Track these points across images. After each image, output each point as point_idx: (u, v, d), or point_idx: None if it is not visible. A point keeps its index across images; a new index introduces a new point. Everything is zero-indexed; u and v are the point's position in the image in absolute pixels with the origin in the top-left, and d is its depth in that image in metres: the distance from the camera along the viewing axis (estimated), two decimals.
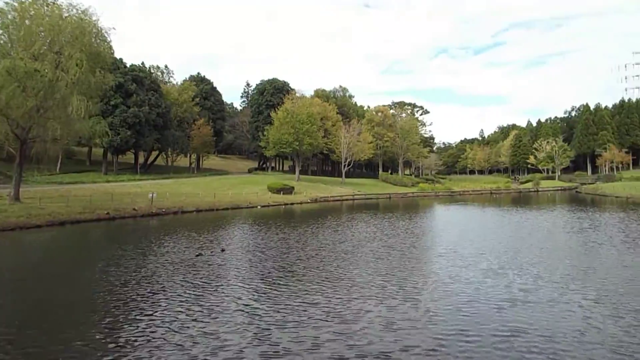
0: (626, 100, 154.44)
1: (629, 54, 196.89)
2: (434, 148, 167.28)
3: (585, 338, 10.42)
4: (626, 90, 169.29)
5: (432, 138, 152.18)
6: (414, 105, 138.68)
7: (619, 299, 13.64)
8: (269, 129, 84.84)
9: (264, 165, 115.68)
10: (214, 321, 11.73)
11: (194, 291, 14.77)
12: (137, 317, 12.10)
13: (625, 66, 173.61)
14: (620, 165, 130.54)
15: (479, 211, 52.50)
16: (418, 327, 11.17)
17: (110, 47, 41.48)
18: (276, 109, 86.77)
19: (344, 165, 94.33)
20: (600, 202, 63.84)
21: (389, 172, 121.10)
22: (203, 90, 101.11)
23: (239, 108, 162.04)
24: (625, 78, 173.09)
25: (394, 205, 65.19)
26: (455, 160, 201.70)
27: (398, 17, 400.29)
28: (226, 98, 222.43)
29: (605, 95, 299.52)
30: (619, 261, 19.80)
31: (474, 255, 20.85)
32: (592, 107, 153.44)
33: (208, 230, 31.84)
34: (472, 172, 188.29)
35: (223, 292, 14.61)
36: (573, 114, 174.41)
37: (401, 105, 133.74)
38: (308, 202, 66.31)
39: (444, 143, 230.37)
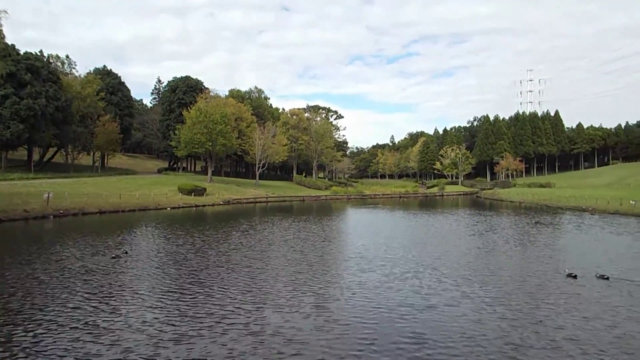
0: (520, 113, 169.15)
1: (524, 71, 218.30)
2: (347, 152, 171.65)
3: (483, 341, 11.09)
4: (521, 104, 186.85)
5: (345, 142, 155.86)
6: (329, 110, 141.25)
7: (517, 301, 14.74)
8: (181, 128, 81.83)
9: (175, 166, 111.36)
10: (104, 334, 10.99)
11: (89, 303, 13.75)
12: (25, 336, 11.01)
13: (521, 82, 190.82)
14: (514, 173, 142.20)
15: (388, 214, 54.46)
16: (326, 337, 10.91)
17: (0, 32, 37.70)
18: (189, 108, 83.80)
19: (258, 167, 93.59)
20: (497, 206, 69.12)
21: (303, 174, 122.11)
22: (109, 85, 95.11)
23: (149, 105, 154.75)
24: (520, 93, 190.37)
25: (307, 207, 65.76)
26: (367, 164, 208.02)
27: (315, 22, 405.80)
28: (135, 94, 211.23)
29: (504, 107, 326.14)
30: (514, 263, 21.50)
31: (382, 259, 21.43)
32: (491, 118, 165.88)
33: (110, 233, 29.94)
34: (383, 176, 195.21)
35: (119, 305, 13.58)
36: (475, 123, 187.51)
37: (316, 109, 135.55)
38: (220, 204, 64.86)
39: (356, 147, 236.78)
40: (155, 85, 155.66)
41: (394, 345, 10.25)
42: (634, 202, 50.95)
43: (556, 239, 29.93)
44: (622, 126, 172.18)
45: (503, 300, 14.22)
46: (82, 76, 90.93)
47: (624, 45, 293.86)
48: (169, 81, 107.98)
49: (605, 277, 16.94)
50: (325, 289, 15.52)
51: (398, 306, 13.42)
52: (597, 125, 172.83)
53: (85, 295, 14.44)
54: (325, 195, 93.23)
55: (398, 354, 9.82)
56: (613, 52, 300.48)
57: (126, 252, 21.92)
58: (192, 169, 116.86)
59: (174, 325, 11.66)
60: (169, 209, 54.78)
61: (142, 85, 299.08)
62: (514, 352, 10.04)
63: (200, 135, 77.28)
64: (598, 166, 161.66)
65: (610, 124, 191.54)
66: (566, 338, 10.90)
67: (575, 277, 17.15)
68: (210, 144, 78.17)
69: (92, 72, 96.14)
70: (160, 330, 11.27)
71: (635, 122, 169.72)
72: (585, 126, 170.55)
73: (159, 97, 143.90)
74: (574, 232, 33.76)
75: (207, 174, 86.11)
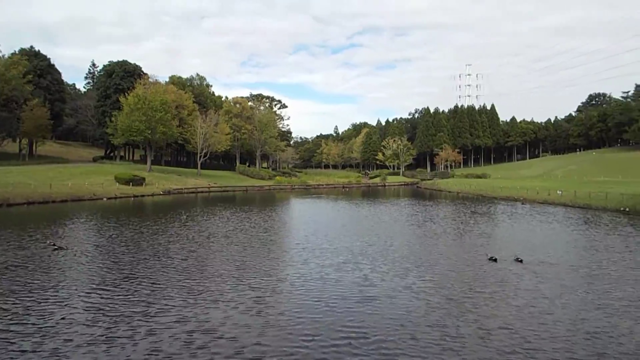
0: (459, 107, 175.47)
1: (464, 65, 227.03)
2: (291, 142, 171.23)
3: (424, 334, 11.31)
4: (460, 97, 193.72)
5: (289, 132, 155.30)
6: (272, 99, 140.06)
7: (452, 290, 15.18)
8: (118, 114, 78.04)
9: (112, 154, 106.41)
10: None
11: (7, 301, 12.80)
12: None
13: (460, 76, 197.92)
14: (453, 164, 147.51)
15: (331, 204, 54.87)
16: (266, 333, 10.61)
17: None
18: (126, 94, 80.00)
19: (200, 157, 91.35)
20: (436, 196, 71.44)
21: (247, 164, 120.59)
22: (37, 67, 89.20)
23: (83, 90, 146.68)
24: (459, 87, 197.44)
25: (250, 198, 65.03)
26: (311, 154, 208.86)
27: (261, 10, 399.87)
28: (67, 78, 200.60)
29: (444, 100, 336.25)
30: (450, 251, 22.21)
31: (324, 251, 21.39)
32: (432, 110, 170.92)
33: (39, 226, 28.14)
34: (327, 166, 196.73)
35: (43, 304, 12.67)
36: (416, 116, 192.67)
37: (260, 97, 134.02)
38: (160, 194, 62.84)
39: (300, 138, 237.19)
40: (90, 69, 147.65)
41: (334, 340, 10.15)
42: (560, 192, 54.25)
43: (489, 227, 31.26)
44: (552, 121, 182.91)
45: (439, 289, 14.59)
46: (5, 57, 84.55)
47: (555, 43, 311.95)
48: (104, 65, 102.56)
49: (520, 259, 18.54)
50: (266, 282, 15.25)
51: (339, 299, 13.37)
52: (529, 120, 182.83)
53: (5, 293, 13.42)
54: (269, 186, 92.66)
55: (338, 348, 9.73)
56: (545, 50, 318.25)
57: (54, 245, 20.64)
58: (131, 158, 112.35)
59: (104, 323, 11.03)
60: (105, 199, 52.36)
61: (75, 69, 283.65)
62: (452, 342, 10.29)
63: (138, 122, 74.14)
64: (529, 158, 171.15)
65: (541, 118, 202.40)
66: (487, 316, 11.43)
67: (495, 260, 18.62)
68: (149, 132, 75.26)
69: (17, 53, 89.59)
70: (89, 329, 10.66)
71: (563, 117, 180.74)
72: (518, 120, 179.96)
73: (93, 82, 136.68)
74: (507, 221, 35.42)
75: (146, 163, 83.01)
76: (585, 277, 16.21)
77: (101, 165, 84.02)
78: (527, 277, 16.15)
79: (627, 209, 40.33)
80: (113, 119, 79.37)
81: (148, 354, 9.27)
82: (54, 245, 20.81)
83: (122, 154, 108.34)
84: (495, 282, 15.44)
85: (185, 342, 9.95)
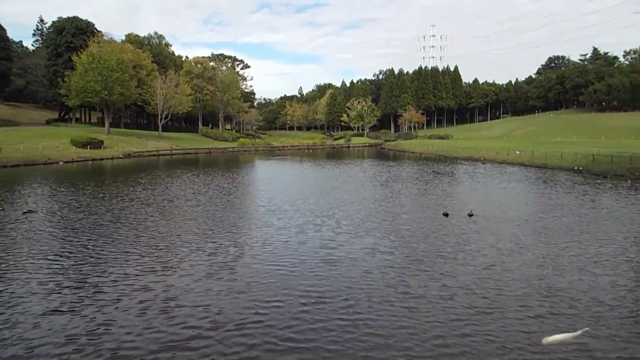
0: (423, 68, 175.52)
1: (427, 26, 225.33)
2: (255, 103, 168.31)
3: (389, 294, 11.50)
4: (424, 58, 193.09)
5: (252, 93, 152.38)
6: (235, 59, 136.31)
7: (413, 249, 15.50)
8: (71, 75, 74.28)
9: (67, 117, 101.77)
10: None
11: None
12: None
13: (424, 37, 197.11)
14: (417, 125, 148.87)
15: (296, 166, 54.72)
16: (227, 299, 10.35)
17: None
18: (79, 53, 75.97)
19: (161, 119, 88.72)
20: (400, 157, 72.32)
21: (209, 126, 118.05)
22: None
23: (32, 49, 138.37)
24: (424, 48, 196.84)
25: (214, 160, 64.09)
26: (275, 116, 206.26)
27: None
28: (13, 35, 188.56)
29: (409, 61, 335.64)
30: (412, 210, 22.64)
31: (288, 213, 21.30)
32: (396, 71, 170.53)
33: None
34: (291, 128, 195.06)
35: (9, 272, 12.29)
36: (381, 77, 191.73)
37: (221, 58, 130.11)
38: (120, 157, 61.09)
39: (264, 99, 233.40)
40: (38, 26, 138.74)
41: (294, 304, 10.01)
42: (519, 153, 55.86)
43: (450, 186, 31.98)
44: (513, 83, 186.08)
45: (401, 249, 14.83)
46: None
47: (518, 5, 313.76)
48: (53, 22, 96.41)
49: (471, 214, 19.88)
50: (228, 247, 15.03)
51: (300, 261, 13.26)
52: (491, 81, 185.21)
53: None
54: (233, 148, 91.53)
55: (298, 312, 9.60)
56: (506, 12, 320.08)
57: (2, 209, 19.84)
58: (87, 120, 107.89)
59: (59, 294, 10.62)
60: (61, 163, 50.49)
61: (21, 26, 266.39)
62: (414, 301, 10.51)
63: (94, 83, 70.90)
64: (491, 120, 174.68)
65: (502, 80, 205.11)
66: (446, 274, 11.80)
67: (447, 215, 19.97)
68: (106, 93, 72.20)
69: None
70: (44, 299, 10.30)
71: (523, 79, 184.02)
72: (480, 82, 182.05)
73: (42, 39, 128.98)
74: (467, 180, 36.29)
75: (104, 126, 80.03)
76: (541, 232, 16.85)
77: (55, 127, 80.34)
78: (484, 233, 16.67)
79: (580, 168, 41.99)
80: (66, 79, 75.54)
81: (106, 323, 8.96)
82: (2, 209, 20.21)
83: (77, 116, 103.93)
84: (456, 241, 15.76)
85: (142, 309, 9.67)
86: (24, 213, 20.02)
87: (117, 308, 9.72)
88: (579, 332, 8.26)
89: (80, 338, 8.26)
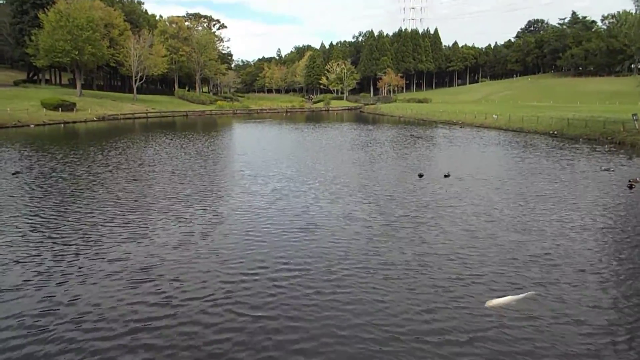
0: (403, 30, 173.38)
1: None
2: (232, 65, 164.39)
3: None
4: (404, 20, 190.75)
5: (230, 55, 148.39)
6: (211, 19, 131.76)
7: (389, 212, 15.67)
8: (39, 33, 71.11)
9: (35, 78, 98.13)
10: None
11: None
12: None
13: None
14: (396, 89, 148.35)
15: (275, 129, 54.28)
16: (203, 269, 9.85)
17: None
18: (46, 10, 72.56)
19: (136, 80, 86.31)
20: (379, 121, 72.28)
21: (186, 89, 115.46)
22: None
23: None
24: (404, 9, 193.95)
25: (191, 123, 63.08)
26: (253, 78, 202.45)
27: None
28: None
29: (389, 24, 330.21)
30: (389, 174, 22.84)
31: (266, 178, 20.87)
32: (376, 34, 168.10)
33: None
34: (269, 91, 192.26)
35: None
36: (360, 39, 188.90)
37: (197, 17, 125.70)
38: (94, 120, 59.65)
39: (242, 61, 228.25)
40: None
41: (271, 273, 9.68)
42: (496, 117, 56.33)
43: (427, 149, 32.28)
44: (492, 46, 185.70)
45: (380, 215, 14.77)
46: None
47: None
48: None
49: (447, 175, 20.80)
50: (204, 213, 14.63)
51: (278, 229, 12.93)
52: (470, 45, 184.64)
53: None
54: (210, 110, 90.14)
55: (278, 282, 9.28)
56: None
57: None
58: (58, 82, 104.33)
59: (30, 264, 10.23)
60: (32, 126, 49.05)
61: None
62: (394, 270, 10.66)
63: (63, 42, 68.13)
64: (469, 83, 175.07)
65: (481, 44, 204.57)
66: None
67: (422, 176, 20.95)
68: (76, 53, 69.53)
69: None
70: (16, 270, 10.05)
71: (502, 43, 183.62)
72: (460, 45, 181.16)
73: None
74: (445, 143, 36.61)
75: (75, 88, 77.54)
76: (517, 195, 17.19)
77: (24, 89, 77.50)
78: (463, 195, 16.93)
79: (555, 132, 42.69)
80: (33, 37, 72.33)
81: (74, 293, 8.65)
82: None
83: (47, 77, 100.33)
84: (435, 205, 15.86)
85: (114, 279, 9.31)
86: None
87: (86, 279, 9.40)
88: (523, 295, 8.19)
89: (49, 309, 8.09)
